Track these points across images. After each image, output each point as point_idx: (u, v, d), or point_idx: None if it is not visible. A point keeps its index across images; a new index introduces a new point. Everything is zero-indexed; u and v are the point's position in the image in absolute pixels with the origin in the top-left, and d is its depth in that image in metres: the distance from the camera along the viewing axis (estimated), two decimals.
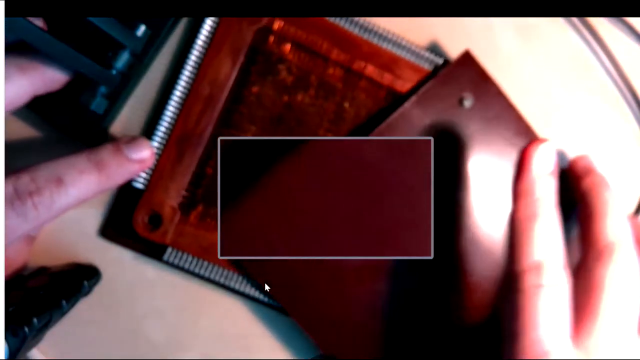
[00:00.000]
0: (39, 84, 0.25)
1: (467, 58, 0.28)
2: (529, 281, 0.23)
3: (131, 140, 0.27)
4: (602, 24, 0.31)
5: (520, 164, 0.26)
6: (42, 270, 0.29)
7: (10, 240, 0.23)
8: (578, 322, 0.23)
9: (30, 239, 0.28)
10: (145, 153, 0.27)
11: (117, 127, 0.30)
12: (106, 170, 0.25)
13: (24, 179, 0.23)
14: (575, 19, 0.31)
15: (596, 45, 0.31)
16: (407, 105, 0.28)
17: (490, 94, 0.29)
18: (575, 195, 0.27)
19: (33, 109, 0.28)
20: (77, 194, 0.24)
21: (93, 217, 0.30)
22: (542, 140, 0.26)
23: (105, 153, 0.26)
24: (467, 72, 0.28)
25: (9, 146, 0.29)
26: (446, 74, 0.28)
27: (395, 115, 0.28)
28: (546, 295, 0.23)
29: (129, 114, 0.30)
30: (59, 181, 0.24)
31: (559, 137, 0.32)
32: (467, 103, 0.28)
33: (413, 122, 0.28)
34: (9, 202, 0.23)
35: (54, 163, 0.24)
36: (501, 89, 0.29)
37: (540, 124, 0.31)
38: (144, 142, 0.27)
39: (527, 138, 0.29)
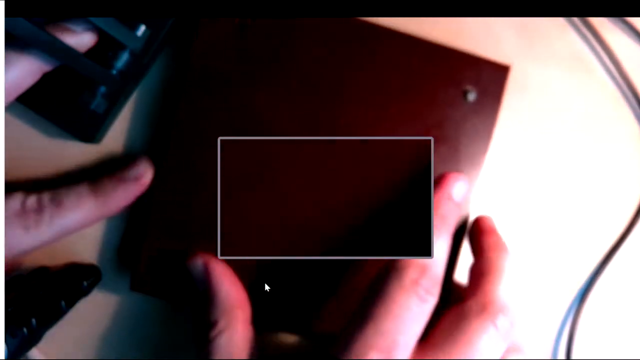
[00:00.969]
0: (41, 62, 0.25)
1: (503, 71, 0.28)
2: (410, 275, 0.24)
3: (132, 163, 0.28)
4: (603, 24, 0.31)
5: (440, 181, 0.27)
6: (42, 270, 0.29)
7: (16, 251, 0.26)
8: (426, 350, 0.24)
9: None
10: (141, 169, 0.28)
11: (117, 127, 0.30)
12: (103, 195, 0.27)
13: (32, 199, 0.26)
14: (575, 19, 0.31)
15: (597, 45, 0.31)
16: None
17: (487, 113, 0.29)
18: (473, 248, 0.28)
19: (34, 108, 0.28)
20: (75, 218, 0.26)
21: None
22: (464, 176, 0.28)
23: (105, 179, 0.27)
24: (492, 80, 0.28)
25: (9, 145, 0.29)
26: (477, 61, 0.28)
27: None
28: (419, 295, 0.23)
29: (129, 114, 0.30)
30: (59, 204, 0.26)
31: (560, 137, 0.32)
32: (471, 97, 0.28)
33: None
34: (17, 215, 0.26)
35: (60, 188, 0.27)
36: (495, 120, 0.29)
37: (541, 124, 0.31)
38: (142, 160, 0.28)
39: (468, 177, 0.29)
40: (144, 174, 0.28)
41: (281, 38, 0.28)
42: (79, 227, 0.27)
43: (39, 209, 0.26)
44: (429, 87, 0.28)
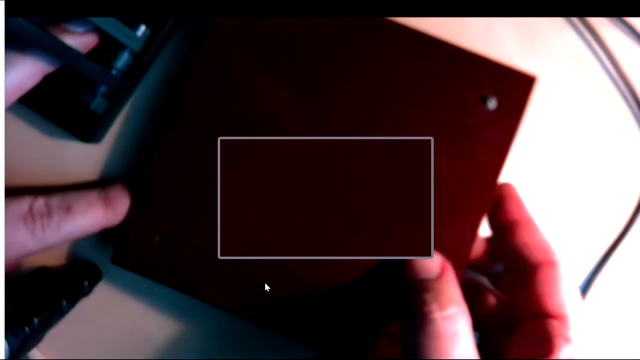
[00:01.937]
0: (43, 64, 0.25)
1: (529, 82, 0.27)
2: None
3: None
4: (603, 24, 0.31)
5: (526, 215, 0.27)
6: (43, 270, 0.29)
7: (18, 254, 0.25)
8: None
9: None
10: None
11: (117, 127, 0.29)
12: (113, 206, 0.27)
13: (40, 202, 0.26)
14: (575, 19, 0.31)
15: (596, 45, 0.31)
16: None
17: (507, 123, 0.27)
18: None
19: (34, 108, 0.28)
20: (83, 225, 0.26)
21: None
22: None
23: (114, 190, 0.27)
24: (515, 90, 0.27)
25: (9, 145, 0.29)
26: (500, 69, 0.27)
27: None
28: None
29: (129, 114, 0.30)
30: (68, 210, 0.26)
31: (560, 137, 0.32)
32: (490, 104, 0.27)
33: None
34: (23, 218, 0.25)
35: (68, 193, 0.27)
36: (516, 131, 0.27)
37: (540, 123, 0.31)
38: None
39: (483, 182, 0.28)
40: None
41: (290, 34, 0.28)
42: (85, 234, 0.27)
43: (47, 213, 0.26)
44: (448, 90, 0.27)
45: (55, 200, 0.26)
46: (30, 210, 0.25)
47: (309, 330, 0.29)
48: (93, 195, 0.27)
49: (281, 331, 0.28)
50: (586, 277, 0.32)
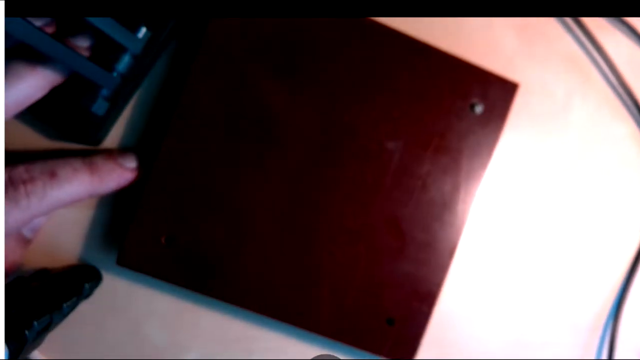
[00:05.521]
0: (52, 76, 0.25)
1: (511, 88, 0.29)
2: None
3: (123, 151, 0.28)
4: (602, 24, 0.31)
5: None
6: (43, 272, 0.29)
7: (7, 228, 0.24)
8: None
9: (24, 241, 0.28)
10: (135, 162, 0.28)
11: (118, 129, 0.29)
12: (99, 173, 0.27)
13: (19, 169, 0.25)
14: (574, 19, 0.31)
15: (596, 44, 0.31)
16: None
17: (491, 127, 0.29)
18: None
19: (34, 112, 0.28)
20: (70, 190, 0.25)
21: (96, 220, 0.30)
22: None
23: (99, 158, 0.27)
24: (500, 96, 0.29)
25: (9, 147, 0.29)
26: (486, 76, 0.29)
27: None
28: None
29: (130, 116, 0.30)
30: (53, 174, 0.25)
31: (559, 137, 0.32)
32: (477, 109, 0.28)
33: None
34: (2, 187, 0.24)
35: (50, 160, 0.26)
36: (499, 135, 0.29)
37: (540, 123, 0.31)
38: (134, 155, 0.28)
39: (466, 189, 0.29)
40: (137, 167, 0.28)
41: (290, 35, 0.28)
42: (73, 200, 0.26)
43: (30, 179, 0.25)
44: (437, 95, 0.28)
45: (38, 166, 0.25)
46: (10, 179, 0.24)
47: (311, 318, 0.29)
48: (77, 162, 0.26)
49: (289, 320, 0.29)
50: (622, 282, 0.32)
